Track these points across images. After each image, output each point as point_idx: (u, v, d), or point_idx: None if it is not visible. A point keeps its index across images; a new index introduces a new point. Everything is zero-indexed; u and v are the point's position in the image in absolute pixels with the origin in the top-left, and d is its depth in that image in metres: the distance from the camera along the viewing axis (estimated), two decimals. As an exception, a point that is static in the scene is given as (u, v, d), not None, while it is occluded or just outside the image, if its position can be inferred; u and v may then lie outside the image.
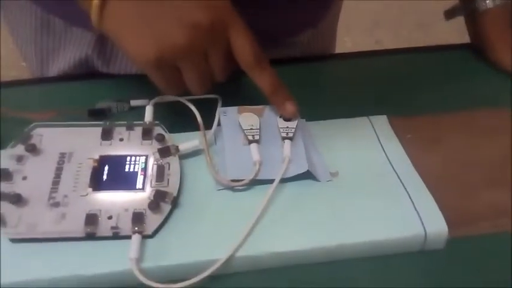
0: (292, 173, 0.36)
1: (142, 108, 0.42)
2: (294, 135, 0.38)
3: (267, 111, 0.40)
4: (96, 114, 0.43)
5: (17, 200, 0.33)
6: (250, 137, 0.38)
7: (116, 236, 0.32)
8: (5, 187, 0.34)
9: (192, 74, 0.35)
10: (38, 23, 0.49)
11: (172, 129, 0.39)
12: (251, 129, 0.38)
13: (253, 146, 0.37)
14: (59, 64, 0.51)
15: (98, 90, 0.47)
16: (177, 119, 0.40)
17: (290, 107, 0.38)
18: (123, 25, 0.33)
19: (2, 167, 0.35)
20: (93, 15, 0.33)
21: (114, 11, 0.33)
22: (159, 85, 0.36)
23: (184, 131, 0.40)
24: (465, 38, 0.56)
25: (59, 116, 0.43)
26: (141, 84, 0.49)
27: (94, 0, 0.32)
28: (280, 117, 0.39)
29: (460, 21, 0.55)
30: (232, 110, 0.40)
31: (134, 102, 0.44)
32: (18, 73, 1.56)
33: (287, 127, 0.39)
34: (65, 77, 0.51)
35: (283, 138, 0.38)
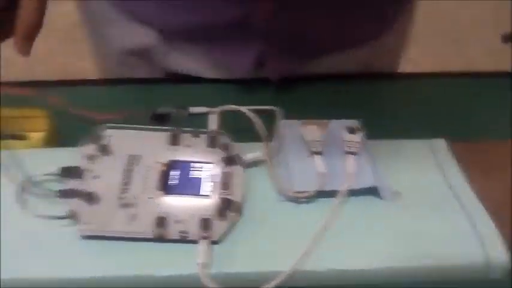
0: (358, 185, 0.36)
1: (200, 116, 0.43)
2: (359, 149, 0.38)
3: (332, 125, 0.41)
4: (158, 119, 0.44)
5: (89, 198, 0.34)
6: (314, 149, 0.38)
7: (184, 239, 0.33)
8: (77, 185, 0.35)
9: None
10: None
11: (232, 139, 0.40)
12: (314, 141, 0.39)
13: (317, 157, 0.38)
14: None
15: (157, 95, 0.48)
16: (236, 128, 0.41)
17: None
18: None
19: (75, 165, 0.36)
20: None
21: None
22: None
23: (243, 141, 0.40)
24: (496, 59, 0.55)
25: (121, 118, 0.43)
26: (200, 92, 0.50)
27: None
28: (345, 129, 0.40)
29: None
30: (294, 123, 0.41)
31: (193, 109, 0.45)
32: (46, 67, 1.59)
33: (352, 141, 0.39)
34: (124, 80, 0.53)
35: (348, 152, 0.38)
